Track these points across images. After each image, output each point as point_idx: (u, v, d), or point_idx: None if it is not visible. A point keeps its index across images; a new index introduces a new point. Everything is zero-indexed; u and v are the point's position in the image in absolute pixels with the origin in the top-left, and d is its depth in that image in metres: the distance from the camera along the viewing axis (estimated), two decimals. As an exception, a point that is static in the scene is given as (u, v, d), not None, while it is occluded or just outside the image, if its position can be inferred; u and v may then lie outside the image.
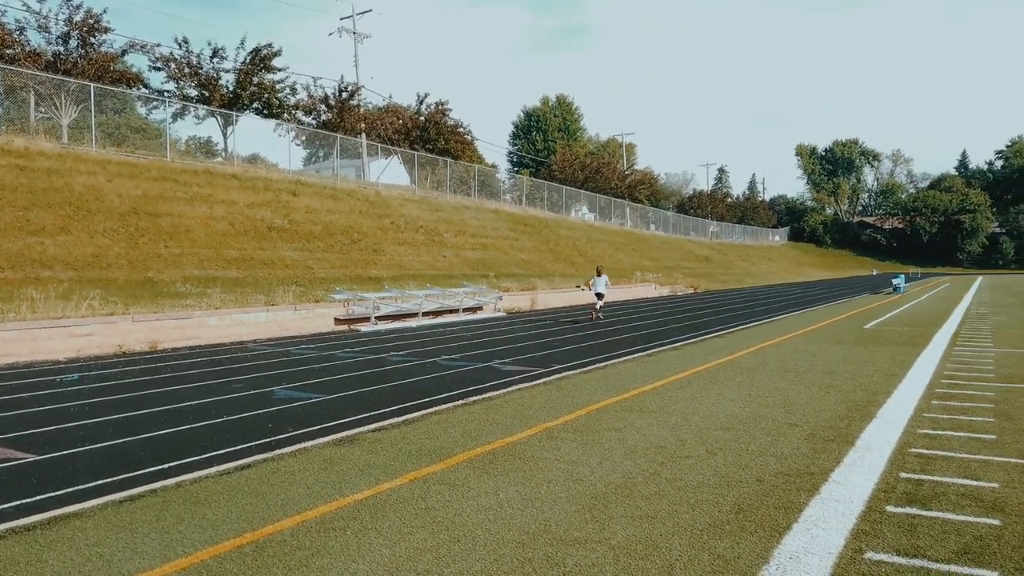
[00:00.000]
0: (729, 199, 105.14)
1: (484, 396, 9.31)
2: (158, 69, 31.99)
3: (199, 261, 20.61)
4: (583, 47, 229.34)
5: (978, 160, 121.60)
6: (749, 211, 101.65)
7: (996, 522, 4.59)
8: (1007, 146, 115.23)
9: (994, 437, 6.74)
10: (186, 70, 32.23)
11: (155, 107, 33.23)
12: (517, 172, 72.50)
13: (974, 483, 5.38)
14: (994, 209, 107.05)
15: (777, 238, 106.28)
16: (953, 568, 3.93)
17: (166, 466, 6.20)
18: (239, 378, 11.10)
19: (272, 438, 7.17)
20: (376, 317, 20.10)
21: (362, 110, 39.93)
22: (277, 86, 35.19)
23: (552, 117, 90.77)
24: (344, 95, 38.34)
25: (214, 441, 7.10)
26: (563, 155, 65.28)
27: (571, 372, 11.25)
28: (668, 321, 21.24)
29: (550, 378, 10.69)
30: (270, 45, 33.87)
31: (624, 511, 4.88)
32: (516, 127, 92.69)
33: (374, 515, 4.86)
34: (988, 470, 5.71)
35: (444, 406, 8.64)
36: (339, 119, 37.28)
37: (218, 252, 21.59)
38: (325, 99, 38.13)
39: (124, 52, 30.46)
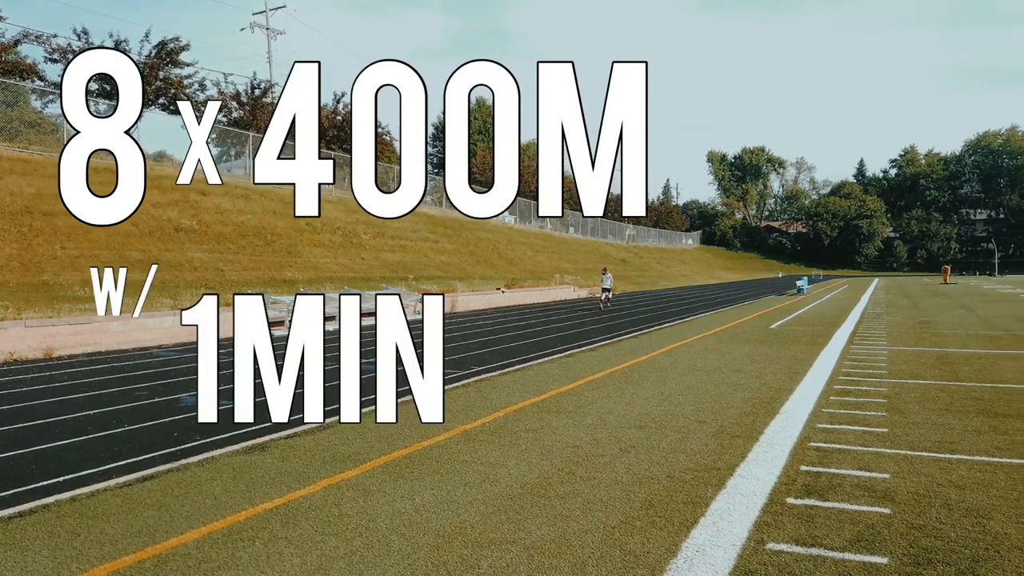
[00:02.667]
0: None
1: (402, 400, 9.20)
2: (55, 61, 30.31)
3: (99, 263, 19.59)
4: (500, 50, 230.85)
5: (874, 168, 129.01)
6: (664, 215, 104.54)
7: (886, 511, 4.88)
8: (900, 155, 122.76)
9: (886, 431, 7.16)
10: (86, 62, 30.66)
11: (51, 100, 31.32)
12: (437, 174, 72.24)
13: (867, 474, 5.69)
14: (889, 215, 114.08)
15: (690, 241, 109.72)
16: (847, 556, 4.15)
17: (61, 479, 5.86)
18: (143, 385, 10.61)
19: (177, 447, 6.89)
20: (291, 322, 19.58)
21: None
22: (185, 81, 33.91)
23: (472, 120, 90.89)
24: (257, 92, 37.29)
25: (114, 452, 6.75)
26: (483, 158, 65.43)
27: (490, 374, 11.28)
28: (585, 323, 21.59)
29: (469, 381, 10.68)
30: (177, 39, 32.70)
31: (539, 511, 4.93)
32: (436, 129, 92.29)
33: (285, 524, 4.74)
34: (880, 462, 6.05)
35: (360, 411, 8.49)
36: (252, 117, 36.25)
37: (120, 254, 20.57)
38: (237, 96, 37.00)
39: (17, 42, 28.76)
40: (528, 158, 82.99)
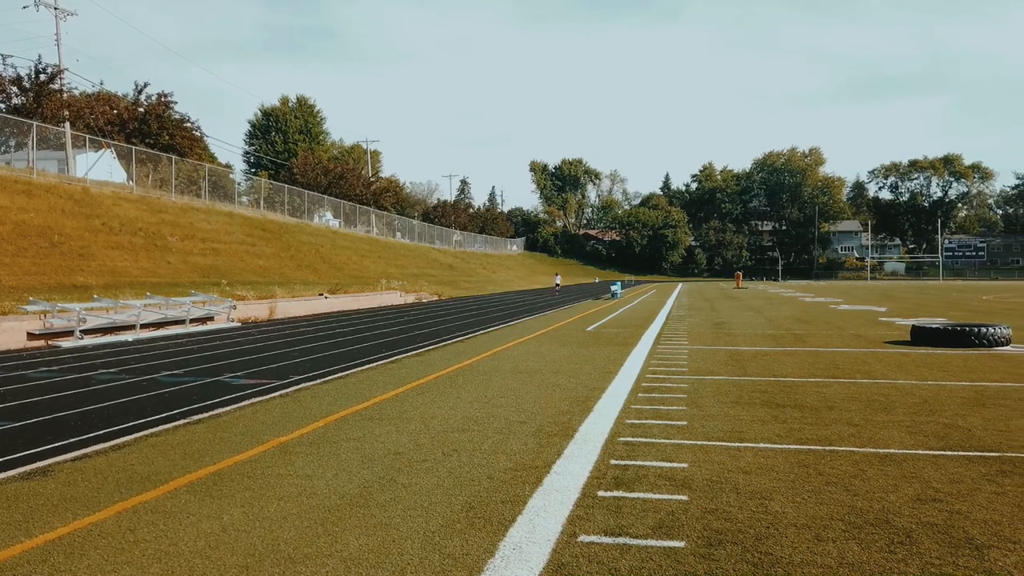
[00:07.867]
0: (471, 210, 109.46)
1: (211, 413, 8.64)
2: None
3: None
4: (325, 51, 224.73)
5: (678, 182, 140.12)
6: (490, 222, 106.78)
7: (684, 498, 5.28)
8: (699, 171, 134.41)
9: (685, 423, 7.76)
10: None
11: None
12: (255, 174, 68.78)
13: (668, 465, 6.14)
14: (690, 225, 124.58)
15: (515, 247, 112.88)
16: (650, 542, 4.43)
17: None
18: None
19: (-65, 478, 5.98)
20: (82, 331, 17.74)
21: (66, 96, 35.13)
22: (-48, 60, 29.69)
23: (293, 119, 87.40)
24: (43, 77, 33.46)
25: None
26: (305, 158, 63.13)
27: (311, 383, 10.88)
28: (412, 328, 21.49)
29: (288, 390, 10.24)
30: (-58, 10, 28.47)
31: (358, 521, 4.82)
32: (253, 126, 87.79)
33: (69, 555, 4.26)
34: (679, 452, 6.55)
35: (163, 427, 7.86)
36: (36, 104, 32.48)
37: None
38: (17, 80, 32.97)
39: None
40: (353, 160, 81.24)
